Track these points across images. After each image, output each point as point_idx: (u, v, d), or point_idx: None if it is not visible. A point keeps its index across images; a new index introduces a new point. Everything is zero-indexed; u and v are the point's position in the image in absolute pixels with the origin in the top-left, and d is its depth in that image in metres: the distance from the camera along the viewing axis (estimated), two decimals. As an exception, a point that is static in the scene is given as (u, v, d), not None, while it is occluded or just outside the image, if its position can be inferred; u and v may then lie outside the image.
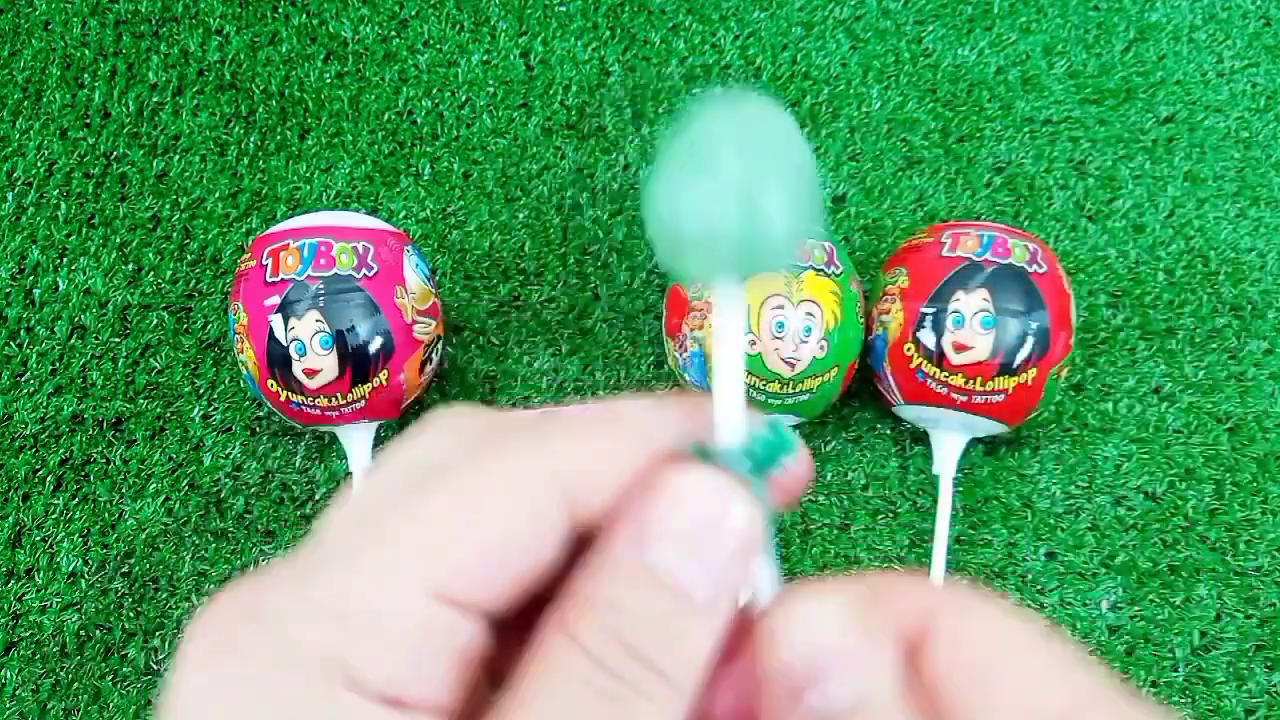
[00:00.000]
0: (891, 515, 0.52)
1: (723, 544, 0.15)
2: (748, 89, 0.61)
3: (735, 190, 0.16)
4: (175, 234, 0.57)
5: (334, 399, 0.46)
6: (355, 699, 0.14)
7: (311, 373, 0.46)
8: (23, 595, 0.51)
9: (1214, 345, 0.55)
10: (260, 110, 0.60)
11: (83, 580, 0.51)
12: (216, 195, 0.58)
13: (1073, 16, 0.63)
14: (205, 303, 0.56)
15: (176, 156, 0.59)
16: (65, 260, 0.57)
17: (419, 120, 0.60)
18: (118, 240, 0.57)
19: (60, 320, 0.56)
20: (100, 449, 0.53)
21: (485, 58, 0.62)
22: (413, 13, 0.63)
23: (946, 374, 0.47)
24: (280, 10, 0.63)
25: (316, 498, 0.52)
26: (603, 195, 0.58)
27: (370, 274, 0.46)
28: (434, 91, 0.61)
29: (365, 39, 0.62)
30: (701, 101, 0.17)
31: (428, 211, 0.58)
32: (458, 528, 0.15)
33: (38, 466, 0.53)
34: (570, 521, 0.16)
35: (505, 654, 0.16)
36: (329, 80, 0.61)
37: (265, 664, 0.14)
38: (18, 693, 0.49)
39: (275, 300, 0.45)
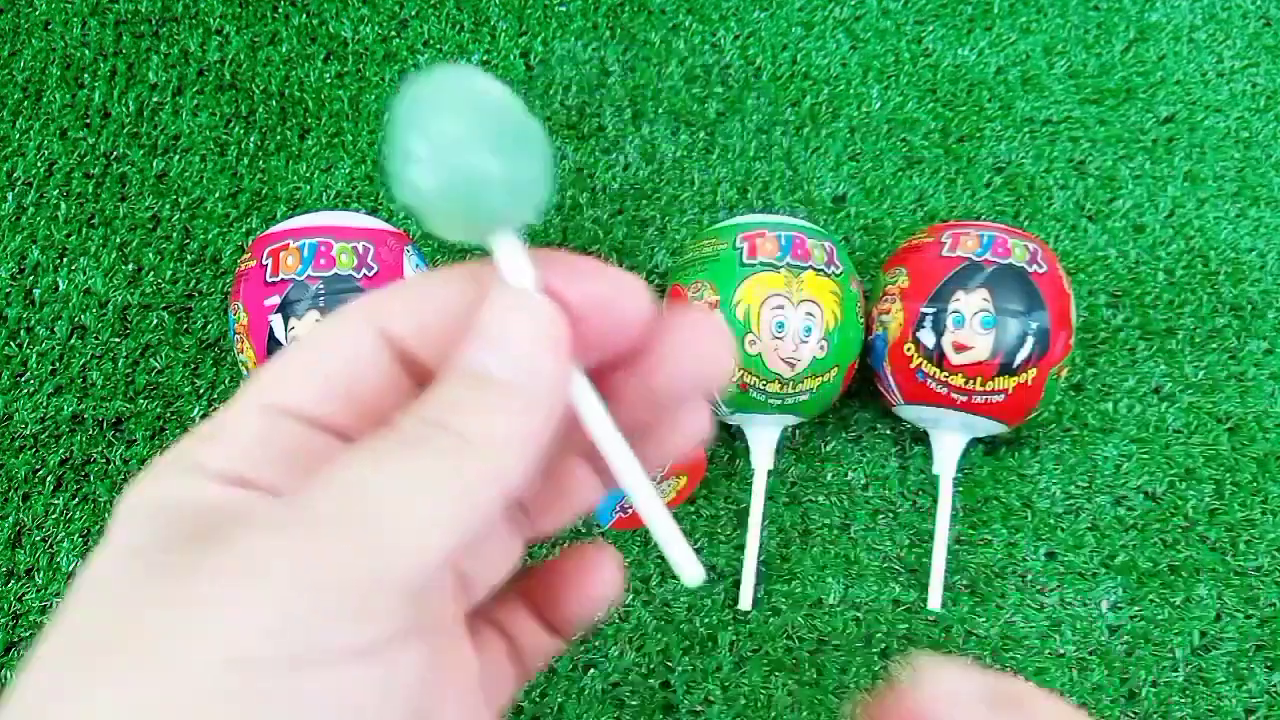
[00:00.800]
0: (891, 515, 0.52)
1: (517, 334, 0.18)
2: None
3: (451, 158, 0.18)
4: (175, 234, 0.57)
5: (334, 399, 0.46)
6: (205, 481, 0.17)
7: (311, 373, 0.46)
8: (23, 595, 0.51)
9: (1214, 345, 0.55)
10: (260, 110, 0.60)
11: (83, 580, 0.51)
12: (216, 195, 0.58)
13: (1073, 16, 0.63)
14: (205, 303, 0.56)
15: (176, 156, 0.59)
16: (65, 260, 0.57)
17: (419, 120, 0.60)
18: (118, 240, 0.57)
19: (60, 320, 0.56)
20: (100, 449, 0.53)
21: (485, 58, 0.62)
22: (413, 13, 0.63)
23: (946, 374, 0.47)
24: (280, 10, 0.63)
25: (316, 498, 0.52)
26: (603, 195, 0.58)
27: (370, 274, 0.46)
28: (434, 91, 0.61)
29: (365, 39, 0.62)
30: (414, 75, 0.19)
31: (428, 211, 0.58)
32: (288, 364, 0.19)
33: (38, 466, 0.53)
34: (385, 343, 0.19)
35: None
36: (329, 80, 0.61)
37: (149, 476, 0.18)
38: (18, 693, 0.49)
39: (275, 300, 0.45)
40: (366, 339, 0.19)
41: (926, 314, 0.47)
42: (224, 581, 0.15)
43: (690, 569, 0.20)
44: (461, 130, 0.18)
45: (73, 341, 0.55)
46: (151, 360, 0.55)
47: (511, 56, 0.62)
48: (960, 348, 0.46)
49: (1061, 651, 0.49)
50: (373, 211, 0.58)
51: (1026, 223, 0.58)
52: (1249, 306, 0.56)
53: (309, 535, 0.15)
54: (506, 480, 0.17)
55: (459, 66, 0.18)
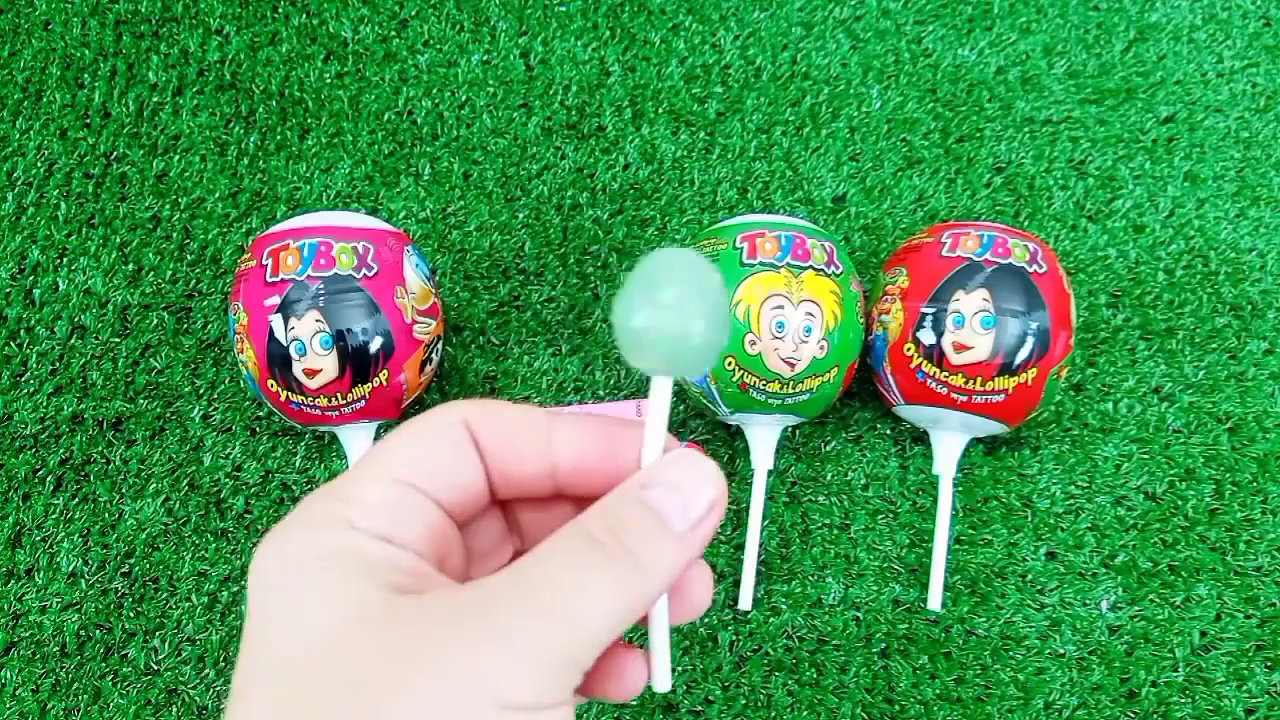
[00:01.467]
0: (891, 515, 0.52)
1: (699, 499, 0.23)
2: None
3: (671, 313, 0.23)
4: (175, 234, 0.57)
5: (334, 399, 0.46)
6: (357, 534, 0.21)
7: (311, 373, 0.46)
8: (23, 595, 0.51)
9: (1214, 345, 0.55)
10: (260, 110, 0.60)
11: (83, 580, 0.51)
12: (216, 195, 0.58)
13: (1073, 16, 0.63)
14: (205, 303, 0.56)
15: (176, 156, 0.59)
16: (65, 260, 0.57)
17: (419, 120, 0.60)
18: (118, 240, 0.57)
19: (60, 320, 0.56)
20: (100, 449, 0.53)
21: (485, 58, 0.62)
22: (413, 13, 0.63)
23: (946, 374, 0.47)
24: (280, 10, 0.63)
25: (316, 498, 0.52)
26: (603, 195, 0.58)
27: (370, 274, 0.46)
28: (434, 91, 0.61)
29: (365, 39, 0.62)
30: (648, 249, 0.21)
31: (428, 211, 0.58)
32: (406, 447, 0.23)
33: (38, 466, 0.53)
34: (475, 447, 0.23)
35: None
36: (329, 80, 0.61)
37: (299, 527, 0.22)
38: (18, 693, 0.49)
39: (275, 300, 0.45)
40: (462, 435, 0.23)
41: (926, 314, 0.47)
42: (481, 652, 0.19)
43: (663, 678, 0.25)
44: (683, 297, 0.23)
45: (73, 341, 0.55)
46: (151, 360, 0.55)
47: (511, 56, 0.62)
48: (960, 348, 0.46)
49: (1061, 651, 0.49)
50: (373, 211, 0.58)
51: (1026, 223, 0.58)
52: (1249, 306, 0.56)
53: (533, 618, 0.20)
54: (652, 602, 0.22)
55: (689, 251, 0.24)
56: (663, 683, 0.25)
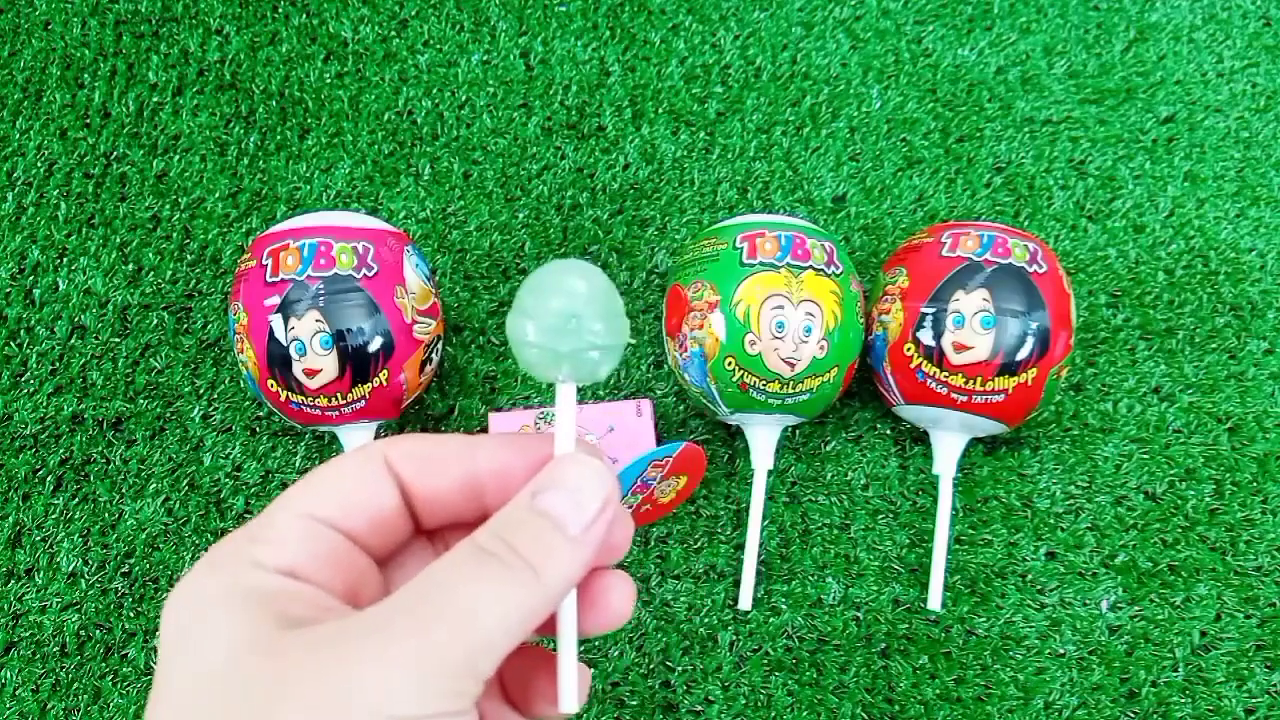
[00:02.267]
0: (891, 515, 0.52)
1: (592, 501, 0.23)
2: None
3: (560, 322, 0.23)
4: (175, 234, 0.57)
5: (334, 399, 0.46)
6: (259, 571, 0.22)
7: (311, 373, 0.46)
8: (23, 595, 0.51)
9: (1214, 345, 0.55)
10: (260, 110, 0.60)
11: (83, 580, 0.51)
12: (216, 195, 0.58)
13: (1073, 16, 0.63)
14: (205, 303, 0.56)
15: (176, 156, 0.59)
16: (65, 260, 0.57)
17: (419, 120, 0.60)
18: (118, 240, 0.57)
19: (60, 320, 0.56)
20: (100, 449, 0.53)
21: (485, 58, 0.62)
22: (413, 13, 0.63)
23: (946, 374, 0.47)
24: (280, 10, 0.63)
25: (316, 498, 0.52)
26: (603, 195, 0.58)
27: (370, 274, 0.46)
28: (434, 91, 0.61)
29: (365, 39, 0.62)
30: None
31: (428, 211, 0.58)
32: (319, 484, 0.23)
33: (38, 466, 0.53)
34: (396, 480, 0.24)
35: None
36: (329, 80, 0.61)
37: (206, 568, 0.22)
38: (18, 693, 0.49)
39: (275, 300, 0.45)
40: (378, 468, 0.24)
41: (926, 314, 0.47)
42: (359, 669, 0.20)
43: (569, 700, 0.24)
44: (567, 307, 0.23)
45: (73, 341, 0.55)
46: (151, 360, 0.55)
47: (511, 56, 0.62)
48: (960, 348, 0.46)
49: (1061, 651, 0.49)
50: (373, 211, 0.58)
51: (1026, 223, 0.58)
52: (1249, 306, 0.56)
53: (419, 630, 0.20)
54: (551, 607, 0.22)
55: (573, 260, 0.24)
56: (569, 703, 0.24)
